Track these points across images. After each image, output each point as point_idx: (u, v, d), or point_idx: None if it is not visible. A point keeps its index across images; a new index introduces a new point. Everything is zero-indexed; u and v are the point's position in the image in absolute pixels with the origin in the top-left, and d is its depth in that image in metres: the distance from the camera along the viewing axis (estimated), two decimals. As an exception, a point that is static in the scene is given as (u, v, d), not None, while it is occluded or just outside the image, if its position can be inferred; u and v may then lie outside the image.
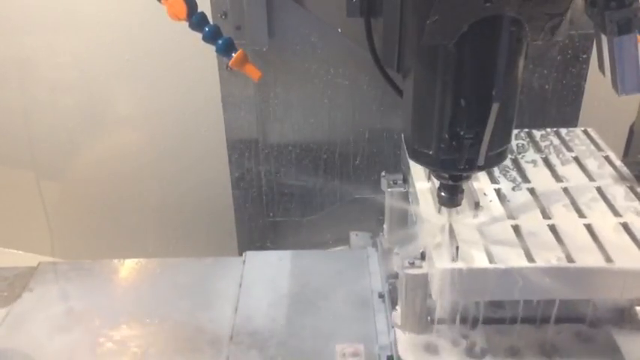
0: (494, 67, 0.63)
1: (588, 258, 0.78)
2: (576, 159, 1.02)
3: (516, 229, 0.84)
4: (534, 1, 0.60)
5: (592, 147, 1.05)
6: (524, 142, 1.07)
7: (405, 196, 1.03)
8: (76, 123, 1.65)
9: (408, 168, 0.99)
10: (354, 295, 1.08)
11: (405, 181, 1.04)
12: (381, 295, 1.06)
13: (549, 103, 1.30)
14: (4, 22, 1.54)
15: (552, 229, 0.84)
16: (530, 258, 0.78)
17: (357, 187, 1.37)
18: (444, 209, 0.82)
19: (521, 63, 0.66)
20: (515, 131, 1.03)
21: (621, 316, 0.89)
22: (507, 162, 0.99)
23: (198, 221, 1.73)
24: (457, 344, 0.86)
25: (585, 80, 1.28)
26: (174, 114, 1.62)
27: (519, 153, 1.04)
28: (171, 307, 1.08)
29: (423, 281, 0.84)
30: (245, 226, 1.42)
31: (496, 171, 0.98)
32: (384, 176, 1.07)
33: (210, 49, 0.98)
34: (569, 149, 1.05)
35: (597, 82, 0.96)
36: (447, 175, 0.74)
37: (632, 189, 0.93)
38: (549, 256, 0.78)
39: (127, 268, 1.19)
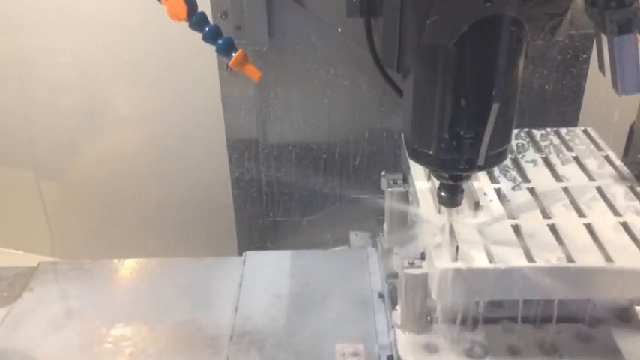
0: (494, 67, 0.63)
1: (588, 258, 0.78)
2: (576, 159, 1.02)
3: (516, 228, 0.84)
4: (534, 1, 0.60)
5: (592, 147, 1.05)
6: (524, 142, 1.07)
7: (405, 196, 1.03)
8: (76, 123, 1.65)
9: (408, 168, 0.99)
10: (354, 294, 1.08)
11: (405, 181, 1.04)
12: (381, 295, 1.06)
13: (549, 103, 1.30)
14: (4, 22, 1.54)
15: (552, 228, 0.84)
16: (530, 258, 0.78)
17: (357, 187, 1.37)
18: (444, 209, 0.83)
19: (521, 63, 0.66)
20: (515, 131, 1.03)
21: (621, 316, 0.89)
22: (507, 162, 0.99)
23: (198, 221, 1.73)
24: (457, 344, 0.86)
25: (585, 80, 1.28)
26: (174, 114, 1.62)
27: (519, 153, 1.04)
28: (171, 306, 1.08)
29: (423, 281, 0.84)
30: (245, 226, 1.42)
31: (496, 171, 0.98)
32: (384, 176, 1.07)
33: (210, 49, 0.98)
34: (569, 149, 1.05)
35: (597, 82, 0.97)
36: (447, 175, 0.74)
37: (632, 189, 0.93)
38: (549, 256, 0.78)
39: (127, 267, 1.19)
